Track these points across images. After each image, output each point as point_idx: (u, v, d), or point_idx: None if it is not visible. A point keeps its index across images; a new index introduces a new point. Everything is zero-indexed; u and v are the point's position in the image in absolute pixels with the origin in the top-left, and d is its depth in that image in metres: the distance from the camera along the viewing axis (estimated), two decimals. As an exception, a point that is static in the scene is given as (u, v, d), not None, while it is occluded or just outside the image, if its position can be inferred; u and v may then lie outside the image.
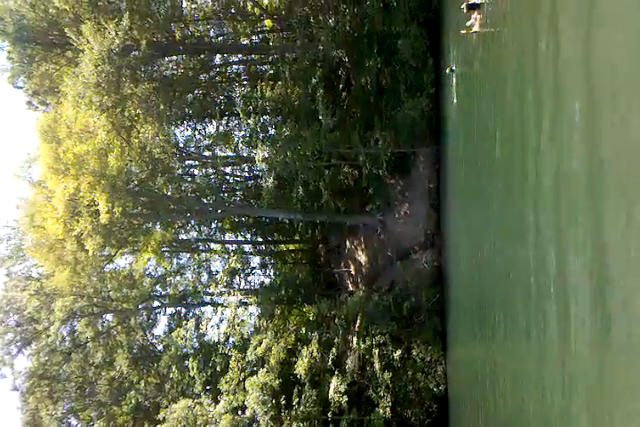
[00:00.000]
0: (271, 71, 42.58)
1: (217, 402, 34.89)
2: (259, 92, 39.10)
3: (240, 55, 45.12)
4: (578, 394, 11.84)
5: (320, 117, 35.09)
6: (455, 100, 31.56)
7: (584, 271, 11.35)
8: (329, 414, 32.79)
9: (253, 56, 44.83)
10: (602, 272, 10.48)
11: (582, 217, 11.95)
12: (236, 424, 33.21)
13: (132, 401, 41.73)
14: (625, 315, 9.29)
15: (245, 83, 44.88)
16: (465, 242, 29.54)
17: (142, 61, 36.04)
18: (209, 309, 45.72)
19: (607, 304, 10.13)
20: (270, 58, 42.19)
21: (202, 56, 40.65)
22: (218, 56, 44.25)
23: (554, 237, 13.89)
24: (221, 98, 44.59)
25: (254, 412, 33.10)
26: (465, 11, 25.05)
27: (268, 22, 41.96)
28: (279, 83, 39.79)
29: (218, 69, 45.28)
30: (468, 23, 24.14)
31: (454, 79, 30.66)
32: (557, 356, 13.56)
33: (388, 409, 31.42)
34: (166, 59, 41.15)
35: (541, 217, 15.20)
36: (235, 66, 46.27)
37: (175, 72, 41.03)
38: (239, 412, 34.70)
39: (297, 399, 32.84)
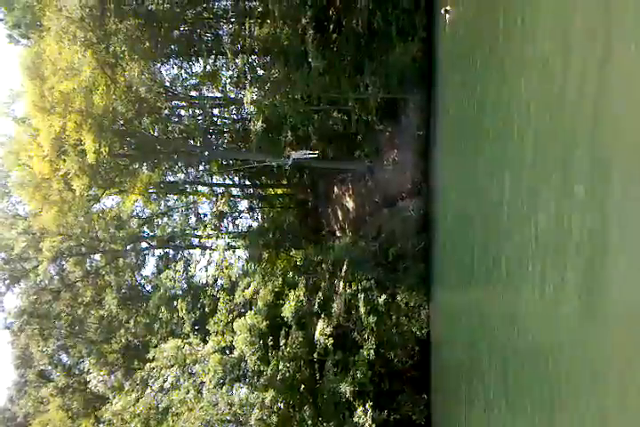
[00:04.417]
0: (260, 9, 41.01)
1: (205, 342, 35.66)
2: (247, 31, 37.82)
3: (227, -11, 43.34)
4: (562, 331, 12.14)
5: (310, 60, 34.19)
6: (447, 44, 30.78)
7: (575, 215, 11.38)
8: (315, 355, 33.69)
9: (241, -9, 43.03)
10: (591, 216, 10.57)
11: (565, 165, 11.94)
12: (225, 363, 34.09)
13: (122, 340, 42.53)
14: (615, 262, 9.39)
15: (233, 20, 43.26)
16: (452, 190, 29.62)
17: (127, -6, 34.72)
18: (197, 251, 45.96)
19: (598, 251, 10.21)
20: (259, -6, 40.57)
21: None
22: (205, -10, 42.46)
23: (540, 182, 13.94)
24: (208, 35, 43.09)
25: (242, 352, 33.93)
26: None
27: (257, -45, 40.12)
28: (268, 21, 38.41)
29: (205, 5, 43.50)
30: None
31: (447, 22, 29.79)
32: (538, 297, 13.92)
33: (372, 351, 32.28)
34: (152, -8, 39.47)
35: (528, 164, 15.20)
36: (222, 1, 44.48)
37: (161, 7, 39.41)
38: (227, 352, 35.57)
39: (284, 341, 33.58)
